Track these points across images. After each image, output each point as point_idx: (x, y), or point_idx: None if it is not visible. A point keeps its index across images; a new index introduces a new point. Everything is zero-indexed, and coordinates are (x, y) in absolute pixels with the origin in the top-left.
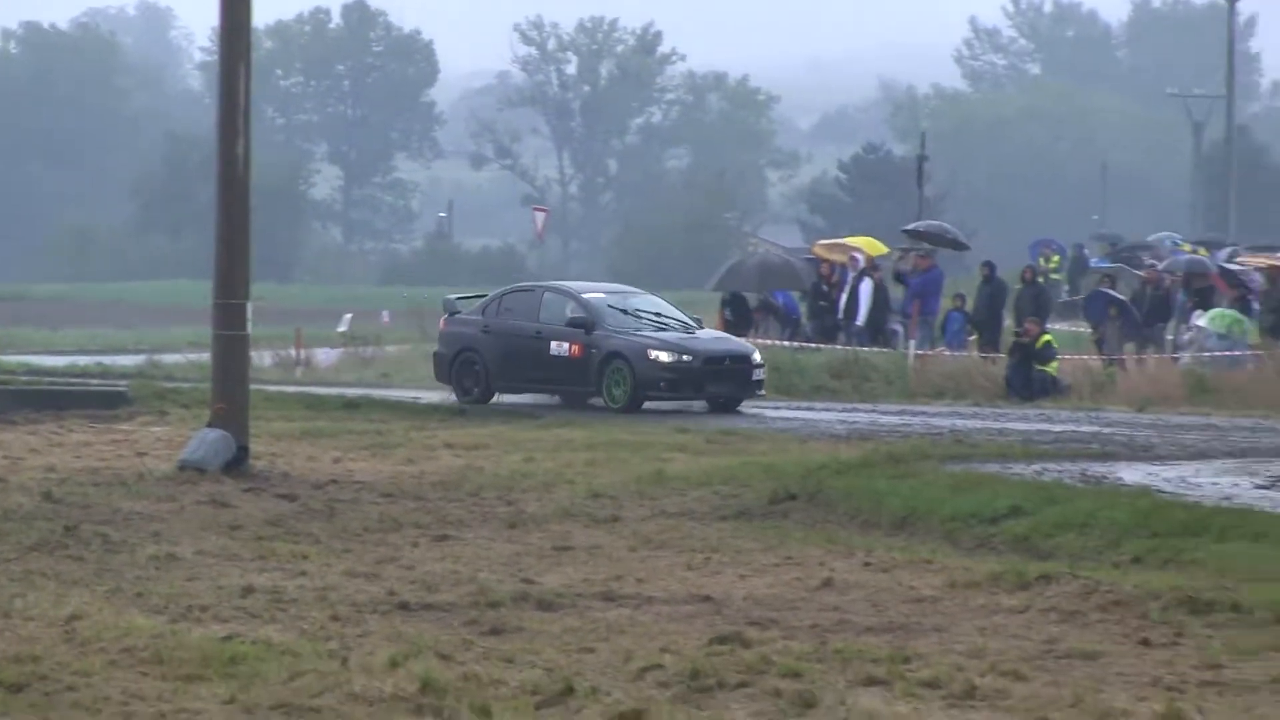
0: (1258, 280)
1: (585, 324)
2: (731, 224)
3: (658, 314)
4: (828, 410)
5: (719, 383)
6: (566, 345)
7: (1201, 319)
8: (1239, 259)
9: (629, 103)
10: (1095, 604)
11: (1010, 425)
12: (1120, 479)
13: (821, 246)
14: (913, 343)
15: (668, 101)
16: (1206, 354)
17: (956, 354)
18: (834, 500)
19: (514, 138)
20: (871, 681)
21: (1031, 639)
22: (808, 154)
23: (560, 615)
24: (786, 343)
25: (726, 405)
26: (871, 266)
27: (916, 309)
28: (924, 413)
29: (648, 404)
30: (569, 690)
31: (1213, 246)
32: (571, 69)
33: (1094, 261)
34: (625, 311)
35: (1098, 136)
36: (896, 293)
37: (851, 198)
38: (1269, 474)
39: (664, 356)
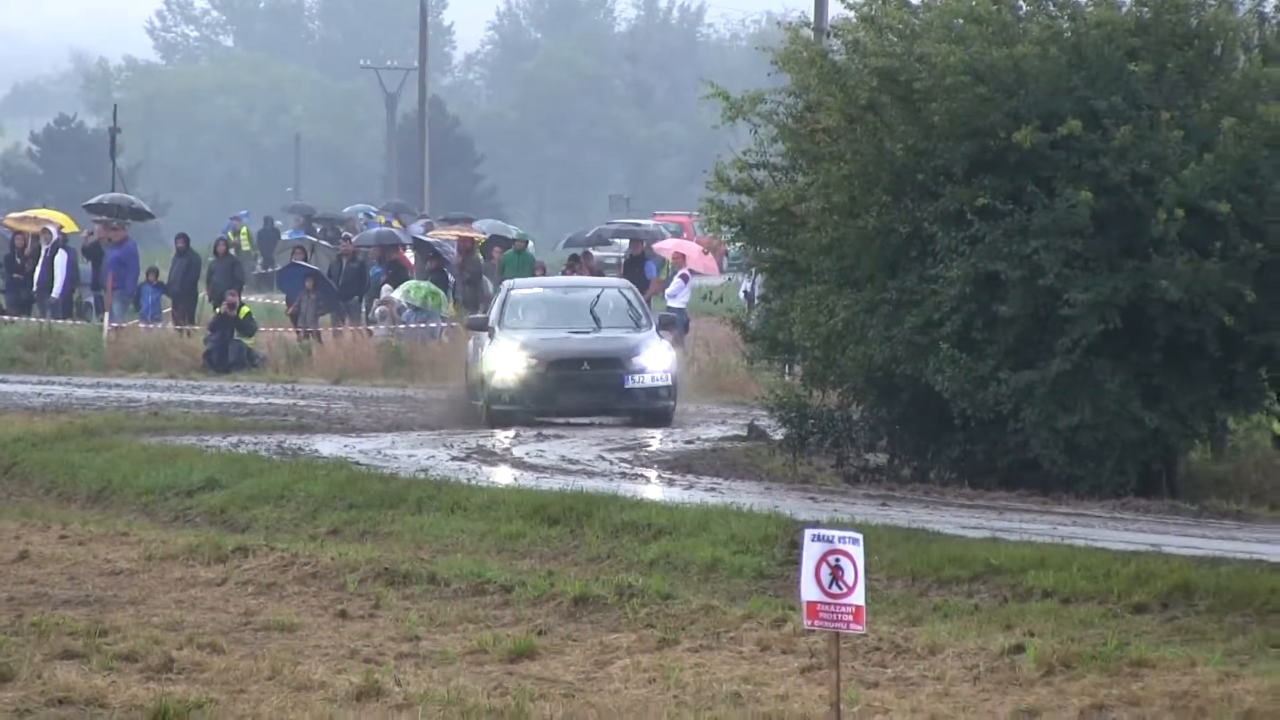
0: (452, 252)
1: (483, 324)
2: None
3: (605, 310)
4: (23, 383)
5: (575, 393)
6: (479, 351)
7: (396, 291)
8: (433, 231)
9: None
10: (293, 576)
11: (207, 398)
12: (317, 451)
13: (13, 219)
14: (108, 315)
15: None
16: (402, 326)
17: (152, 326)
18: (30, 473)
19: None
20: (69, 655)
21: (229, 611)
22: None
23: None
24: None
25: (650, 419)
26: (63, 239)
27: (111, 281)
28: (120, 385)
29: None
30: None
31: (405, 216)
32: None
33: (287, 234)
34: (557, 307)
35: (291, 108)
36: (88, 267)
37: (44, 169)
38: (464, 445)
39: (505, 361)
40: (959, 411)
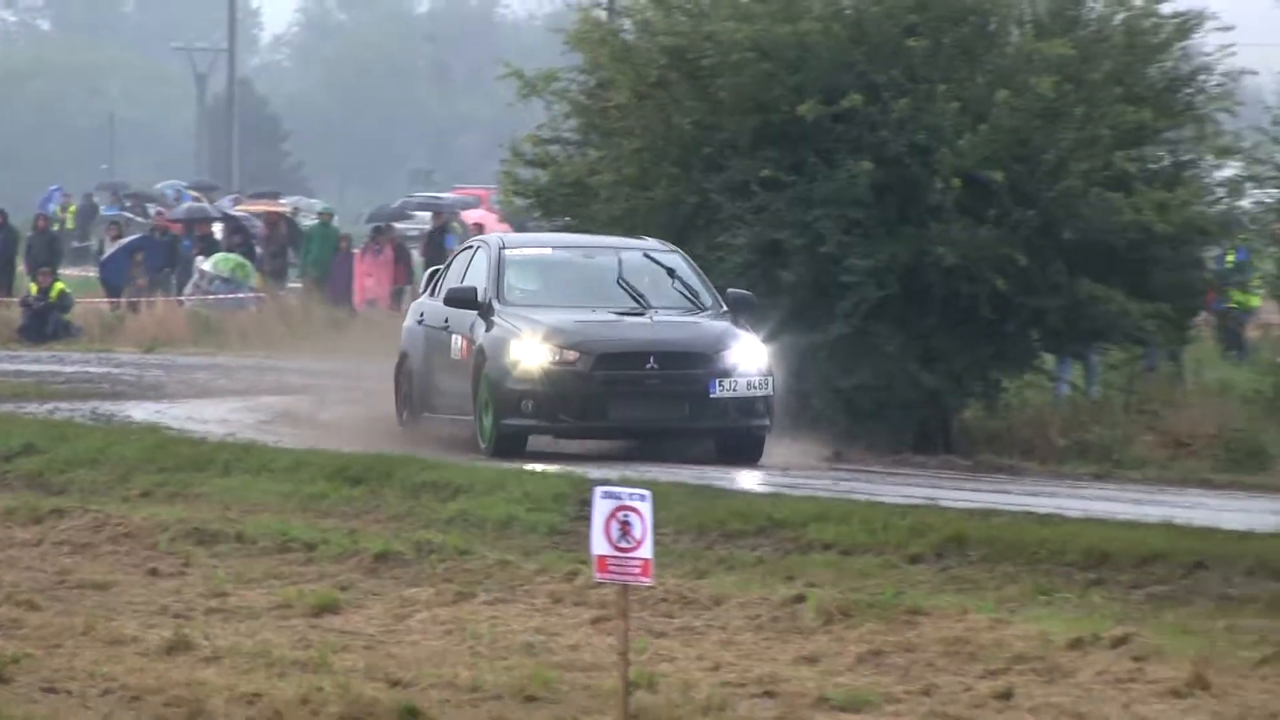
0: (259, 225)
1: (471, 299)
2: None
3: (647, 284)
4: None
5: (636, 403)
6: (459, 340)
7: (206, 263)
8: (241, 206)
9: None
10: (106, 536)
11: (25, 367)
12: (130, 416)
13: None
14: None
15: None
16: (211, 297)
17: None
18: None
19: None
20: None
21: (45, 570)
22: None
23: None
24: None
25: (736, 450)
26: None
27: None
28: None
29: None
30: None
31: (213, 193)
32: None
33: (104, 209)
34: (576, 276)
35: (107, 89)
36: None
37: None
38: (270, 410)
39: (531, 354)
40: None
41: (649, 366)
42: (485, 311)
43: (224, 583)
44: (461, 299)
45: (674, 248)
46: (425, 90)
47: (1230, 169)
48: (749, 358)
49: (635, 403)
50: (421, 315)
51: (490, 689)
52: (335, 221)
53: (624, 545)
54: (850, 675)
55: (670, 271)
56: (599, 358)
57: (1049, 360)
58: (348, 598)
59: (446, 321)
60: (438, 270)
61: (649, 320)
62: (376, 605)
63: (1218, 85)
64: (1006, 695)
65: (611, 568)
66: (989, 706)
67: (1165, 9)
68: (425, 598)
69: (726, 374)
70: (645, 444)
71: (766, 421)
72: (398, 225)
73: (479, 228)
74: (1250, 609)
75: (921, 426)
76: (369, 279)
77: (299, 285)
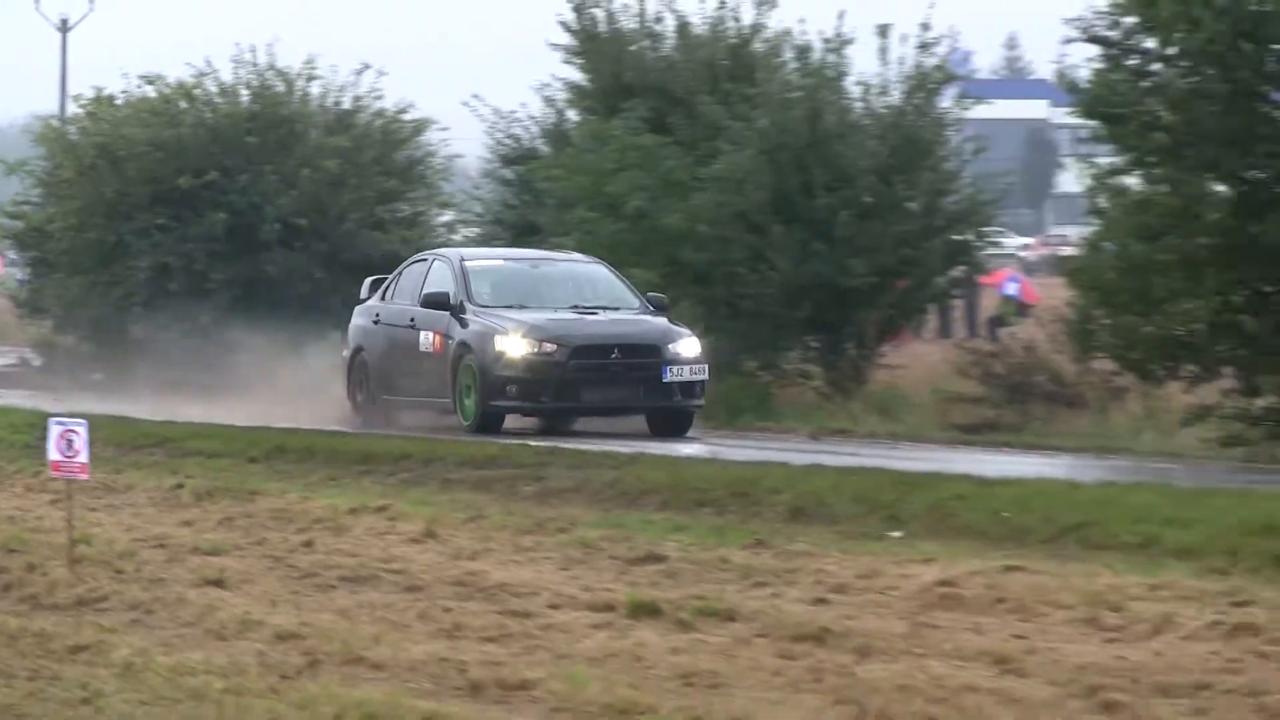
0: None
1: (444, 302)
2: None
3: (585, 289)
4: None
5: (604, 387)
6: (430, 335)
7: None
8: None
9: None
10: None
11: None
12: None
13: None
14: None
15: None
16: None
17: None
18: None
19: None
20: None
21: None
22: None
23: None
24: None
25: (670, 425)
26: None
27: None
28: None
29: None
30: None
31: None
32: None
33: None
34: (530, 285)
35: None
36: None
37: None
38: None
39: (515, 346)
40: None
41: (613, 356)
42: (457, 311)
43: None
44: (435, 301)
45: (600, 260)
46: None
47: (447, 215)
48: (689, 348)
49: (603, 387)
50: (377, 316)
51: None
52: None
53: (69, 455)
54: (213, 534)
55: (603, 278)
56: (574, 349)
57: None
58: None
59: (413, 320)
60: (381, 279)
61: (606, 318)
62: None
63: (440, 163)
64: (310, 544)
65: (62, 469)
66: (300, 551)
67: (407, 117)
68: None
69: (674, 362)
70: (577, 420)
71: (700, 401)
72: None
73: None
74: (462, 487)
75: None
76: None
77: None
